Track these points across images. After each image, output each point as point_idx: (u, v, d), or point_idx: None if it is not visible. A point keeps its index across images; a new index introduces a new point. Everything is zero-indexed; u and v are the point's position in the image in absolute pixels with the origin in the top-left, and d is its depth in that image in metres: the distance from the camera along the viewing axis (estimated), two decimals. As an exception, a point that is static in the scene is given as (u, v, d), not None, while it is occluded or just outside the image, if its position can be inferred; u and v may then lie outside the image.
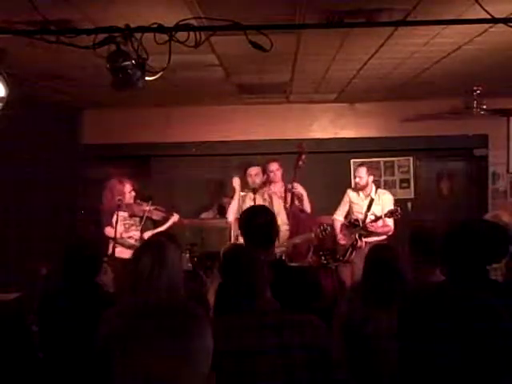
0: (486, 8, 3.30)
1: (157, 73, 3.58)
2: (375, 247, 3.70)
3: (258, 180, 5.83)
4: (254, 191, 5.73)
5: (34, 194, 6.72)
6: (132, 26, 3.33)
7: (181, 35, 3.32)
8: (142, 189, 7.42)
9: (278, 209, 5.83)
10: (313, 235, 5.98)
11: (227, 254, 2.70)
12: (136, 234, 5.76)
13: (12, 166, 6.42)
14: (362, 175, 6.34)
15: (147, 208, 5.74)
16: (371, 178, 6.43)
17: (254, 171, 5.86)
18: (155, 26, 3.30)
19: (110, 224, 5.73)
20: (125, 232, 5.72)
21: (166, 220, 6.11)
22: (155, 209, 5.86)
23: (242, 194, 5.97)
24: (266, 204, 5.62)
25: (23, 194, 6.56)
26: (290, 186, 6.27)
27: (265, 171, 6.04)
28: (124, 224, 5.75)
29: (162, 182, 8.62)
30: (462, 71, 5.97)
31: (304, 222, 6.18)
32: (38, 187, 6.84)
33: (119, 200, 5.60)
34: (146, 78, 3.51)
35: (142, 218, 5.80)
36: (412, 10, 3.85)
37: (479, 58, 5.37)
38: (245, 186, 5.98)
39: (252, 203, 5.75)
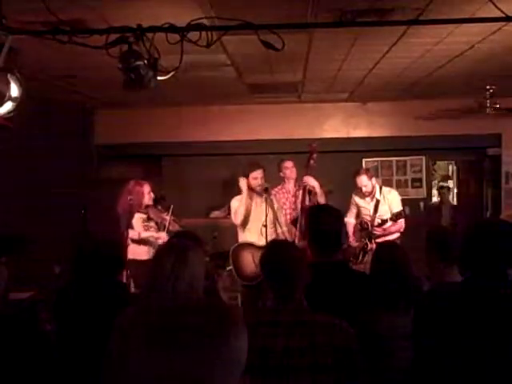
0: (500, 6, 3.28)
1: (169, 72, 3.59)
2: (382, 246, 3.68)
3: (263, 181, 5.76)
4: (267, 190, 5.70)
5: (47, 194, 6.76)
6: (144, 25, 3.34)
7: (193, 35, 3.32)
8: (154, 188, 7.43)
9: (277, 211, 5.84)
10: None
11: (271, 248, 2.71)
12: (156, 234, 5.69)
13: (25, 165, 6.47)
14: (365, 183, 6.19)
15: (167, 217, 5.71)
16: (374, 180, 6.33)
17: (260, 174, 5.78)
18: (167, 25, 3.30)
19: (131, 227, 5.63)
20: (144, 232, 5.68)
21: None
22: (174, 220, 5.82)
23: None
24: (266, 206, 5.57)
25: (36, 194, 6.60)
26: (300, 181, 6.23)
27: (265, 172, 5.93)
28: (144, 226, 5.70)
29: (173, 181, 8.64)
30: (475, 70, 5.94)
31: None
32: (51, 186, 6.88)
33: (130, 200, 5.58)
34: (158, 78, 3.52)
35: (158, 224, 5.76)
36: (424, 9, 3.83)
37: (492, 57, 5.34)
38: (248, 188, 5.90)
39: (258, 204, 5.74)
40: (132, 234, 5.59)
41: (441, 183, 10.71)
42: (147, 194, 5.75)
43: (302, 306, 2.44)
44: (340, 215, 3.44)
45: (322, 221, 3.25)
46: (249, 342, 1.27)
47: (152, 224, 5.79)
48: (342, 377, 2.29)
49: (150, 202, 5.78)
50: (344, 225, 3.58)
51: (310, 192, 6.18)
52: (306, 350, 2.29)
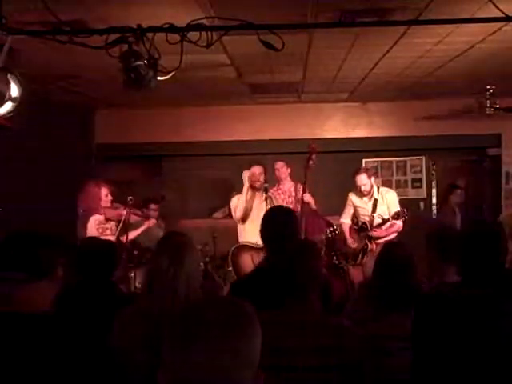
0: (500, 6, 3.28)
1: (169, 73, 3.59)
2: (387, 245, 3.67)
3: (262, 179, 5.78)
4: (266, 190, 5.70)
5: (48, 194, 6.76)
6: (144, 26, 3.34)
7: (193, 35, 3.32)
8: (154, 188, 7.44)
9: None
10: (323, 237, 5.97)
11: (296, 245, 2.70)
12: (111, 238, 5.47)
13: (25, 165, 6.47)
14: (365, 181, 6.18)
15: (124, 212, 5.63)
16: (373, 179, 6.33)
17: (259, 170, 5.80)
18: (167, 25, 3.30)
19: (84, 233, 5.47)
20: (99, 236, 5.53)
21: (142, 223, 6.00)
22: (133, 212, 5.75)
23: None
24: (266, 205, 5.55)
25: (35, 193, 6.59)
26: (299, 188, 6.24)
27: (267, 171, 5.94)
28: (98, 228, 5.53)
29: (173, 182, 8.65)
30: (475, 70, 5.94)
31: (313, 222, 6.16)
32: (52, 186, 6.87)
33: (87, 201, 5.53)
34: (158, 78, 3.52)
35: (118, 222, 5.63)
36: (424, 9, 3.83)
37: (492, 57, 5.34)
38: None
39: (258, 203, 5.74)
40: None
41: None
42: (104, 197, 5.60)
43: (313, 306, 2.43)
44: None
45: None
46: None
47: (108, 226, 5.65)
48: (350, 379, 2.29)
49: (108, 205, 5.63)
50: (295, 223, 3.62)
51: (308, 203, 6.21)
52: (316, 351, 2.28)
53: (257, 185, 5.78)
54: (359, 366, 2.31)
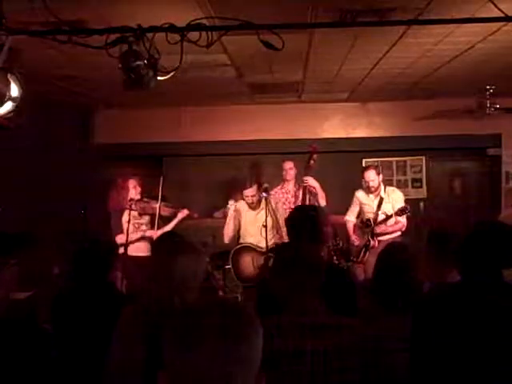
0: (500, 6, 3.28)
1: (169, 73, 3.59)
2: (388, 247, 3.67)
3: (256, 199, 5.75)
4: (266, 190, 5.66)
5: (47, 193, 6.76)
6: (144, 25, 3.34)
7: (193, 35, 3.32)
8: (155, 188, 7.42)
9: (278, 214, 5.81)
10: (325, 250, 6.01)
11: (284, 249, 2.70)
12: (148, 230, 5.69)
13: (25, 165, 6.47)
14: (373, 178, 6.21)
15: (156, 205, 5.68)
16: (381, 177, 6.36)
17: (251, 192, 5.75)
18: (167, 25, 3.30)
19: (121, 229, 5.62)
20: (134, 232, 5.62)
21: (175, 215, 5.97)
22: (164, 205, 5.79)
23: (237, 204, 6.01)
24: (266, 208, 5.54)
25: (36, 193, 6.59)
26: (301, 181, 6.25)
27: (260, 188, 5.90)
28: (134, 224, 5.65)
29: (174, 182, 8.62)
30: (475, 70, 5.94)
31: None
32: (51, 186, 6.88)
33: (119, 198, 5.60)
34: (158, 78, 3.52)
35: (152, 215, 5.71)
36: (424, 9, 3.84)
37: (492, 57, 5.34)
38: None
39: (256, 212, 5.75)
40: (120, 239, 5.53)
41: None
42: (132, 189, 5.69)
43: (323, 307, 2.42)
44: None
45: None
46: (275, 346, 1.26)
47: (143, 221, 5.74)
48: (368, 376, 2.29)
49: (138, 197, 5.72)
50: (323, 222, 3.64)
51: (311, 192, 6.19)
52: (334, 352, 2.28)
53: (252, 205, 5.81)
54: (373, 365, 2.31)
